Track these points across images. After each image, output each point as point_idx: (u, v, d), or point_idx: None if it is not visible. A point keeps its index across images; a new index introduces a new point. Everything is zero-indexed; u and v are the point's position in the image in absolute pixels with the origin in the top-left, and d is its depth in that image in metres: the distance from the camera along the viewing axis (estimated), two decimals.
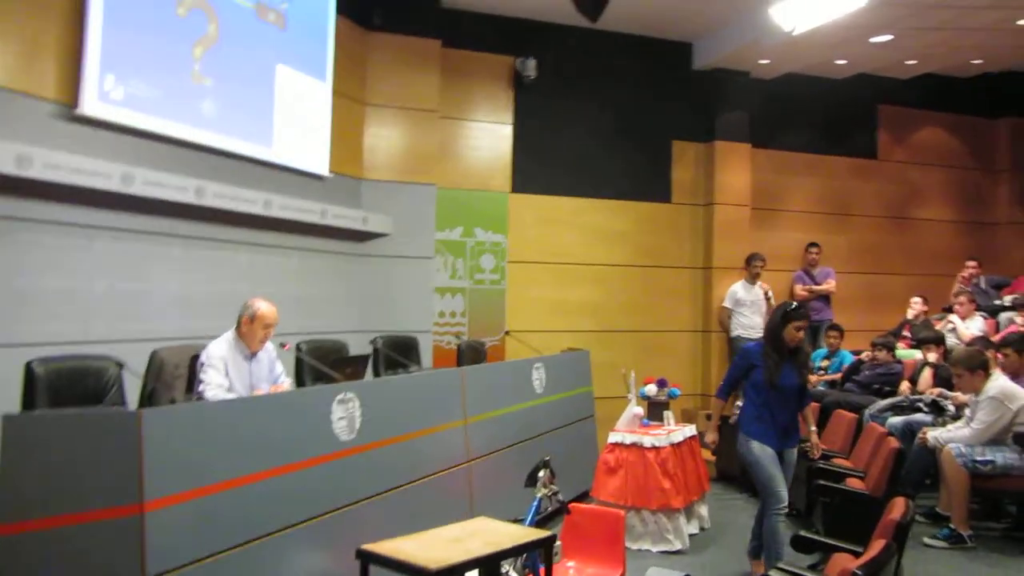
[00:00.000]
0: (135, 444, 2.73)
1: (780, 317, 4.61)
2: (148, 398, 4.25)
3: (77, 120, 5.13)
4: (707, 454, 7.30)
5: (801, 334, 4.64)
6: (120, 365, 4.11)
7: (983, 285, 8.95)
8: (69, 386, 3.90)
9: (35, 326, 4.82)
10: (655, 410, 6.08)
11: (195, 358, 4.41)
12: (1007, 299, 8.32)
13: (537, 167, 8.67)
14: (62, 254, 5.07)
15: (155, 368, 4.36)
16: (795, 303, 4.84)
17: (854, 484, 5.20)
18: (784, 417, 4.64)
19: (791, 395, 4.65)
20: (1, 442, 2.74)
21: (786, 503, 4.50)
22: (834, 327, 8.28)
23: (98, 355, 4.23)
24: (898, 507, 3.10)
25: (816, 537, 3.88)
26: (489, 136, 8.54)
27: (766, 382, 4.55)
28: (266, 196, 6.32)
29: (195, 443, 2.99)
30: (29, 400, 3.79)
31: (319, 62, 7.11)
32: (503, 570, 3.60)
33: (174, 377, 4.40)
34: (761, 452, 4.55)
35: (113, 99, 5.28)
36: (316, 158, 7.07)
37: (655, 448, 5.50)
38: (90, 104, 5.14)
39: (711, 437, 4.96)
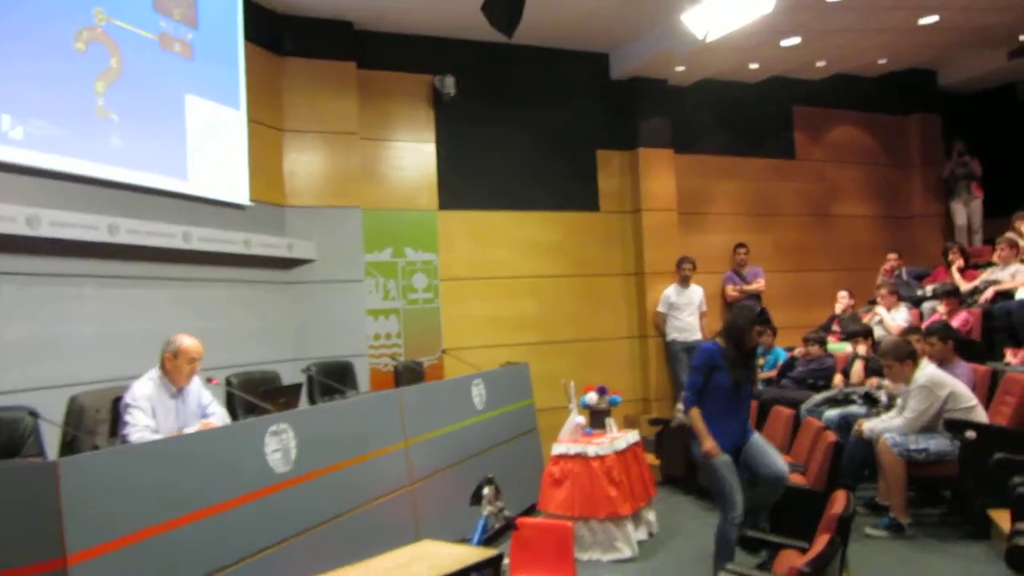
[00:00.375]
0: (53, 496, 2.61)
1: (748, 321, 4.61)
2: (69, 446, 4.07)
3: None
4: (652, 458, 7.36)
5: (763, 338, 4.69)
6: (34, 415, 3.92)
7: (904, 276, 9.25)
8: None
9: None
10: (597, 418, 6.09)
11: (117, 400, 4.25)
12: (928, 289, 8.60)
13: (463, 183, 8.65)
14: None
15: (75, 414, 4.18)
16: (761, 308, 4.90)
17: (796, 480, 5.29)
18: (741, 416, 4.69)
19: (746, 395, 4.72)
20: None
21: (741, 511, 4.45)
22: None
23: (10, 406, 4.03)
24: (839, 501, 3.15)
25: (762, 536, 3.93)
26: (412, 155, 8.49)
27: (732, 383, 4.55)
28: (185, 229, 6.15)
29: (120, 490, 2.87)
30: None
31: (231, 90, 6.98)
32: None
33: (96, 422, 4.22)
34: (719, 459, 4.51)
35: (12, 139, 5.08)
36: (235, 187, 6.92)
37: (599, 457, 5.50)
38: None
39: (709, 444, 4.51)
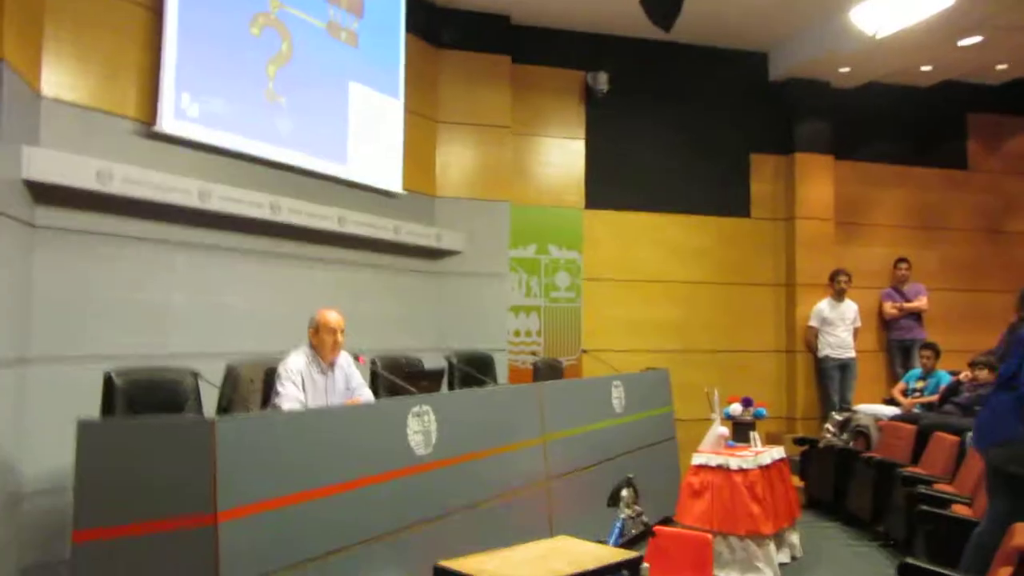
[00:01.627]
0: (209, 453, 2.67)
1: None
2: (224, 410, 4.22)
3: (155, 137, 5.22)
4: (795, 480, 6.99)
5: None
6: (196, 375, 4.09)
7: None
8: (147, 397, 3.90)
9: (114, 339, 4.88)
10: (741, 431, 5.83)
11: (271, 372, 4.38)
12: None
13: (611, 182, 8.53)
14: (141, 268, 5.14)
15: (231, 381, 4.33)
16: None
17: (960, 511, 4.87)
18: None
19: None
20: (77, 448, 2.70)
21: None
22: (928, 346, 7.87)
23: (175, 367, 4.23)
24: (1020, 533, 2.91)
25: (930, 567, 3.60)
26: (561, 151, 8.45)
27: None
28: (340, 212, 6.33)
29: (269, 453, 2.91)
30: (107, 410, 3.80)
31: (391, 80, 7.14)
32: None
33: (250, 391, 4.37)
34: None
35: (189, 116, 5.36)
36: (389, 175, 7.07)
37: (742, 470, 5.24)
38: (167, 121, 5.23)
39: None
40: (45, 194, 4.61)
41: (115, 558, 2.64)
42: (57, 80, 4.80)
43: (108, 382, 3.82)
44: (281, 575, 2.83)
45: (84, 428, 2.75)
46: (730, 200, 8.98)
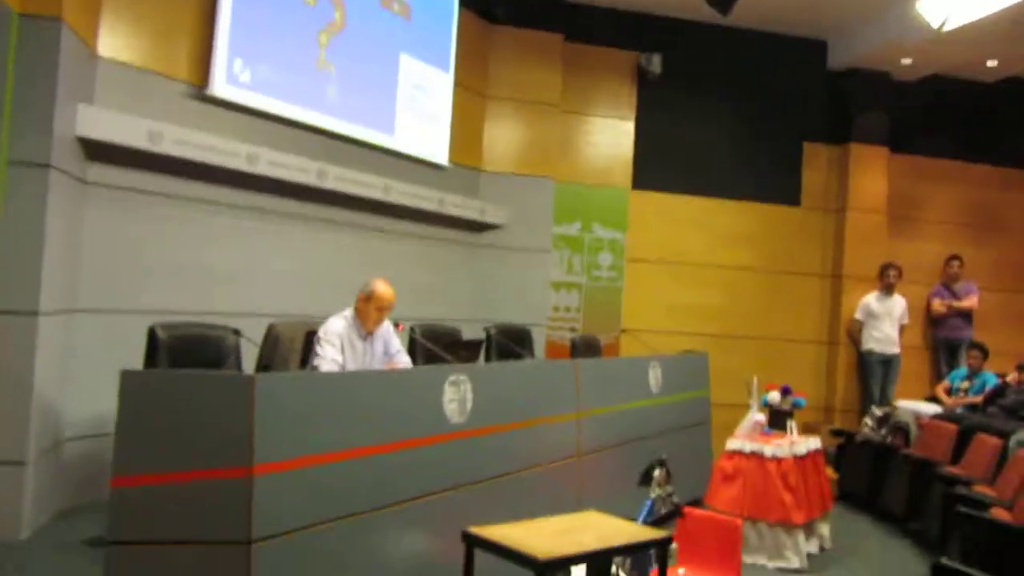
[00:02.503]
0: (248, 408, 2.71)
1: None
2: (264, 369, 4.30)
3: (207, 100, 5.31)
4: (830, 472, 6.91)
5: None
6: (237, 334, 4.16)
7: None
8: (189, 352, 3.98)
9: (160, 295, 5.01)
10: (778, 419, 5.75)
11: (311, 333, 4.43)
12: None
13: (659, 164, 8.46)
14: (188, 228, 5.24)
15: (271, 341, 4.40)
16: None
17: (1000, 515, 4.77)
18: None
19: None
20: (120, 397, 2.77)
21: None
22: (976, 346, 7.70)
23: (217, 324, 4.31)
24: None
25: (964, 569, 3.54)
26: (610, 131, 8.40)
27: None
28: (386, 182, 6.37)
29: (306, 412, 2.95)
30: (151, 363, 3.89)
31: (442, 53, 7.14)
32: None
33: (289, 351, 4.44)
34: None
35: (241, 82, 5.42)
36: (436, 147, 7.10)
37: (776, 459, 5.18)
38: (219, 85, 5.30)
39: None
40: (98, 152, 4.71)
41: (152, 504, 2.70)
42: (113, 41, 4.89)
43: (152, 335, 3.90)
44: (312, 531, 2.87)
45: (128, 378, 2.81)
46: (780, 188, 8.85)
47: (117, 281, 4.87)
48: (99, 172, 4.80)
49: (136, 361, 3.91)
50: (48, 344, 4.24)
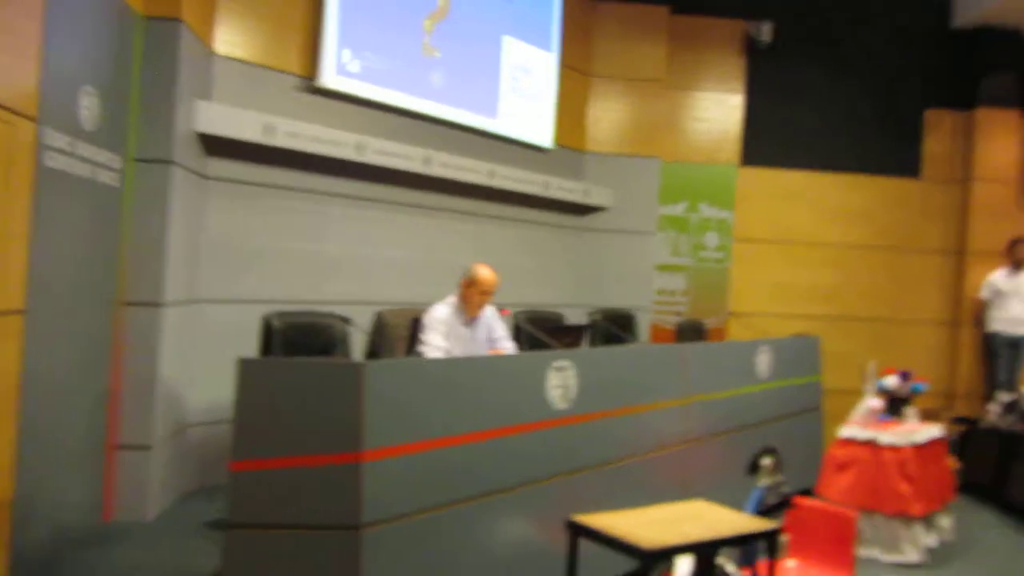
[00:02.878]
0: (357, 394, 2.80)
1: None
2: (372, 355, 4.41)
3: (317, 92, 5.46)
4: (952, 461, 6.60)
5: None
6: (347, 321, 4.29)
7: None
8: (301, 339, 4.13)
9: (272, 284, 5.22)
10: (895, 405, 5.52)
11: (416, 320, 4.53)
12: None
13: (769, 139, 8.18)
14: (300, 218, 5.42)
15: (379, 328, 4.52)
16: None
17: None
18: None
19: None
20: (237, 384, 2.89)
21: None
22: None
23: (327, 312, 4.45)
24: None
25: None
26: (717, 106, 8.17)
27: None
28: (490, 166, 6.42)
29: (413, 398, 3.01)
30: (266, 350, 4.06)
31: (545, 33, 7.11)
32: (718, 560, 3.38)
33: (396, 338, 4.55)
34: None
35: (349, 71, 5.55)
36: (540, 130, 7.09)
37: (893, 447, 4.97)
38: (329, 76, 5.44)
39: None
40: (216, 146, 4.93)
41: (267, 487, 2.82)
42: (229, 38, 5.09)
43: (266, 325, 4.07)
44: (419, 516, 2.95)
45: (244, 366, 2.92)
46: (898, 159, 8.41)
47: (234, 272, 5.10)
48: (218, 166, 5.02)
49: (252, 349, 4.09)
50: (171, 333, 4.49)
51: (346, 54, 5.53)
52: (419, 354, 4.24)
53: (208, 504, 4.70)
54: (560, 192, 7.11)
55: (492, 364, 3.70)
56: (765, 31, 7.92)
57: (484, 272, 4.49)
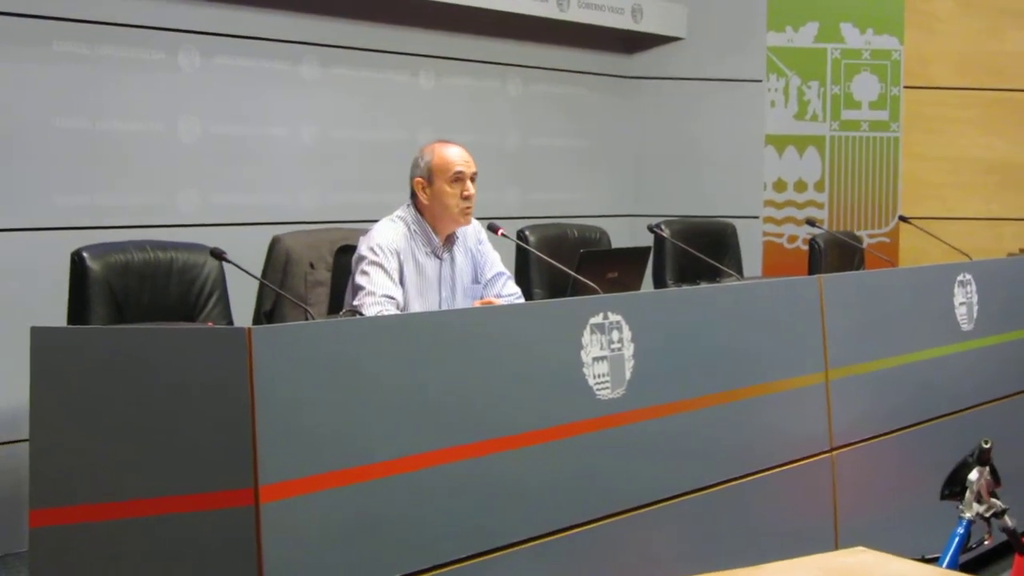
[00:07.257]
0: (244, 386, 2.72)
1: None
2: (268, 315, 4.38)
3: None
4: None
5: None
6: (220, 257, 4.23)
7: None
8: (140, 290, 4.15)
9: (78, 194, 5.23)
10: None
11: (344, 250, 4.48)
12: None
13: None
14: (120, 76, 5.44)
15: (278, 265, 4.49)
16: None
17: None
18: None
19: None
20: (33, 373, 2.93)
21: None
22: None
23: (185, 243, 4.43)
24: None
25: None
26: None
27: None
28: None
29: (344, 391, 2.98)
30: (78, 308, 4.05)
31: None
32: None
33: (308, 283, 4.51)
34: None
35: None
36: None
37: None
38: None
39: None
40: None
41: (90, 553, 2.86)
42: None
43: (77, 267, 4.12)
44: None
45: (39, 338, 2.96)
46: None
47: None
48: None
49: (53, 312, 4.09)
50: None
51: None
52: (356, 308, 4.20)
53: None
54: (587, 13, 7.11)
55: (482, 325, 3.66)
56: None
57: (445, 149, 4.47)
